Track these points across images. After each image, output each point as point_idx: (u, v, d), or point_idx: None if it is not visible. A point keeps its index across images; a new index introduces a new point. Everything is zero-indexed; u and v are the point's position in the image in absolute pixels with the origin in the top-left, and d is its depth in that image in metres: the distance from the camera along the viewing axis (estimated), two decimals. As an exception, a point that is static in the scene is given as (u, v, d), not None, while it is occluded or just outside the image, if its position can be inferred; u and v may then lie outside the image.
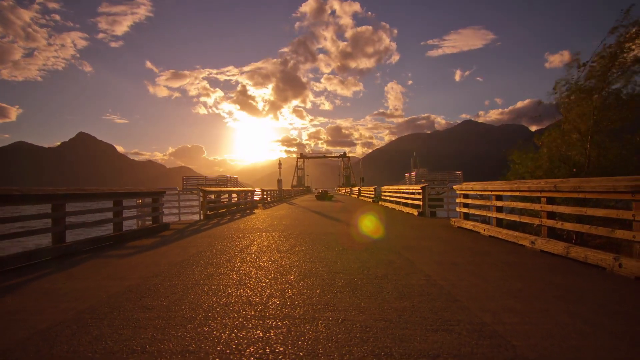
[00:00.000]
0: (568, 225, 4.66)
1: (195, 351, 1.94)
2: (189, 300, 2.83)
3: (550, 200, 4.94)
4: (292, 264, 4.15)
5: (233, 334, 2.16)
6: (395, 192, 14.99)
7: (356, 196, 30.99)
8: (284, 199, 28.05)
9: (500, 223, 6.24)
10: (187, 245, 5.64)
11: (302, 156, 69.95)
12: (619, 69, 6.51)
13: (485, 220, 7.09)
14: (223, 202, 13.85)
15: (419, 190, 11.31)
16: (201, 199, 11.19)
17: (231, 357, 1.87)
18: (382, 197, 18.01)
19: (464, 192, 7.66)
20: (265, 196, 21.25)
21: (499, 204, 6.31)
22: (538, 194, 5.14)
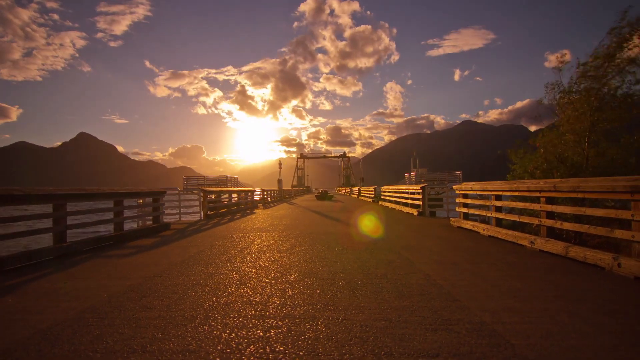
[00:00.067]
0: (567, 225, 4.68)
1: (195, 350, 1.95)
2: (189, 299, 2.84)
3: (550, 200, 4.95)
4: (292, 263, 4.16)
5: (233, 334, 2.17)
6: (395, 192, 15.01)
7: (356, 196, 31.00)
8: (284, 199, 28.07)
9: (499, 223, 6.24)
10: (188, 245, 5.65)
11: (302, 156, 69.92)
12: (615, 69, 6.54)
13: (484, 220, 7.11)
14: (223, 202, 13.87)
15: (419, 190, 11.33)
16: (202, 199, 11.21)
17: (231, 356, 1.88)
18: (382, 197, 18.03)
19: (463, 192, 7.67)
20: (265, 196, 21.29)
21: (499, 203, 6.31)
22: (537, 194, 5.14)
